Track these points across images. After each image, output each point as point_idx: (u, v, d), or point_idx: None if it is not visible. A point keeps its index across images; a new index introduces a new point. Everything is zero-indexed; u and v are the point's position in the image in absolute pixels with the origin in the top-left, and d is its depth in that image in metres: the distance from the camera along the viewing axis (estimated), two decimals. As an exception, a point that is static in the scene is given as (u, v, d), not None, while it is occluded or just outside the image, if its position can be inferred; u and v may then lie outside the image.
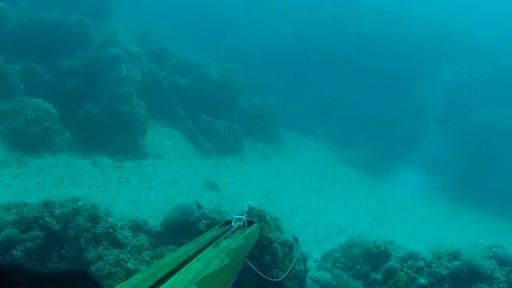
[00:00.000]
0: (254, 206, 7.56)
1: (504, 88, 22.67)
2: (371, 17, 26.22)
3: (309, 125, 22.33)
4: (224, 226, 3.17)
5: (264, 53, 24.67)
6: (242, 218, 3.21)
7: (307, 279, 7.56)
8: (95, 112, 12.93)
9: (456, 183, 19.03)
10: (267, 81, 23.11)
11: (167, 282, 1.92)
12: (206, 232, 2.92)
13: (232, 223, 3.21)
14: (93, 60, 13.60)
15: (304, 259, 7.67)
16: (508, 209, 19.84)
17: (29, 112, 11.99)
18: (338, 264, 8.42)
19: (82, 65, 13.62)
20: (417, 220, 15.73)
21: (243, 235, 2.92)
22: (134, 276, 1.90)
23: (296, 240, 7.59)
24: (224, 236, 2.86)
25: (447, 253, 7.08)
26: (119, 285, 1.80)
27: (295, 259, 6.91)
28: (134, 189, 11.40)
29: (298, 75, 23.93)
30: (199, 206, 8.41)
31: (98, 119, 12.85)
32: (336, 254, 8.60)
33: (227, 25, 27.51)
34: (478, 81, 20.63)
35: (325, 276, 8.24)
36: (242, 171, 14.59)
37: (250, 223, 3.29)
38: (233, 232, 3.01)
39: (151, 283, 1.86)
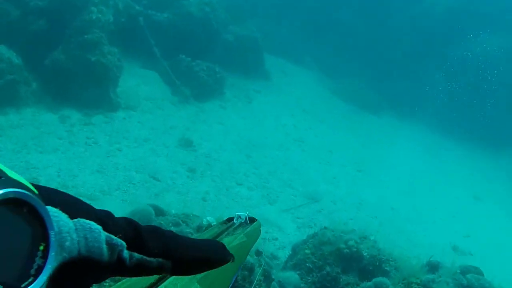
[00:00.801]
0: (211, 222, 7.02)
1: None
2: None
3: (299, 50, 21.17)
4: (225, 223, 3.11)
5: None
6: (244, 215, 3.14)
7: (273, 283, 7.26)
8: (63, 60, 11.90)
9: (450, 117, 18.35)
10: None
11: (169, 279, 1.89)
12: (208, 229, 3.05)
13: (234, 220, 3.14)
14: (60, 0, 12.36)
15: (268, 276, 7.25)
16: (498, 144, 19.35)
17: (-11, 64, 11.02)
18: (308, 264, 8.01)
19: (50, 5, 12.37)
20: (401, 164, 15.22)
21: (245, 232, 2.91)
22: None
23: (259, 253, 7.10)
24: (226, 233, 2.84)
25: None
26: (120, 282, 1.78)
27: (255, 281, 6.49)
28: (102, 153, 10.71)
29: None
30: (159, 211, 7.77)
31: (67, 69, 11.85)
32: (306, 251, 8.16)
33: None
34: None
35: (293, 277, 7.93)
36: (221, 119, 13.77)
37: (252, 220, 3.22)
38: (235, 229, 2.98)
39: (153, 280, 1.85)
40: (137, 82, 13.60)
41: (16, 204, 0.95)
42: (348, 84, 20.22)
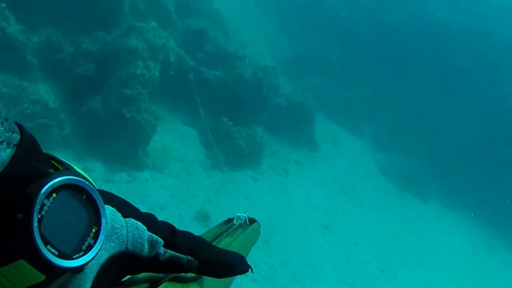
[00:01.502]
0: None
1: None
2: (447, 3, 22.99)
3: (357, 116, 20.27)
4: (225, 224, 3.05)
5: (325, 26, 22.30)
6: (244, 216, 3.10)
7: None
8: (99, 110, 11.60)
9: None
10: (320, 59, 20.95)
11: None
12: (207, 230, 2.90)
13: (234, 221, 3.08)
14: (111, 48, 12.10)
15: None
16: None
17: (25, 105, 10.83)
18: None
19: (100, 51, 12.16)
20: (439, 265, 14.04)
21: (245, 232, 2.89)
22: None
23: None
24: (225, 234, 2.81)
25: None
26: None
27: None
28: (114, 218, 10.23)
29: (356, 55, 21.47)
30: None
31: (101, 119, 11.54)
32: None
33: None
34: None
35: None
36: (248, 193, 13.05)
37: (251, 220, 3.16)
38: (235, 229, 2.93)
39: (155, 277, 1.83)
40: (174, 139, 13.14)
41: (77, 190, 1.20)
42: (398, 161, 19.15)
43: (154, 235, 1.60)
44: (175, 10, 15.93)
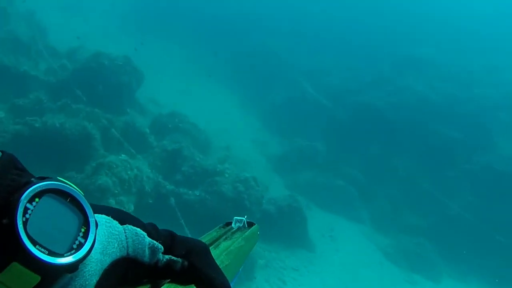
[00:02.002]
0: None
1: None
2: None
3: (352, 202, 19.63)
4: (224, 227, 2.98)
5: (309, 117, 22.18)
6: (242, 219, 3.04)
7: None
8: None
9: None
10: (308, 151, 20.63)
11: (165, 285, 1.80)
12: (206, 234, 2.78)
13: (232, 224, 3.02)
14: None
15: None
16: None
17: None
18: None
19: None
20: None
21: (243, 236, 2.81)
22: None
23: None
24: (224, 237, 2.73)
25: None
26: None
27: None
28: None
29: (342, 142, 21.15)
30: None
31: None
32: None
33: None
34: None
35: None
36: (244, 316, 12.30)
37: (250, 224, 3.09)
38: (233, 233, 2.86)
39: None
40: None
41: (60, 193, 1.26)
42: (402, 243, 18.33)
43: (155, 241, 1.62)
44: (151, 132, 15.79)
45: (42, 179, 1.27)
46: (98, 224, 1.41)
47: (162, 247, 1.64)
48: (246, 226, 3.07)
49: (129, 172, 12.10)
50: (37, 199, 1.21)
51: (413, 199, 19.93)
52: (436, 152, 20.76)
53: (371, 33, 27.02)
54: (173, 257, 1.68)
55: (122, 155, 12.57)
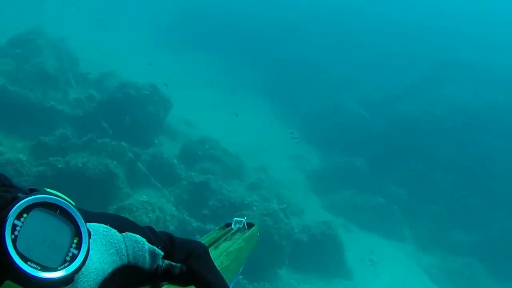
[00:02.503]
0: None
1: None
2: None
3: (394, 221, 18.58)
4: (223, 228, 3.02)
5: (349, 131, 21.26)
6: (242, 220, 3.09)
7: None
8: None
9: None
10: (348, 168, 19.71)
11: (164, 286, 1.83)
12: (206, 235, 2.83)
13: (232, 225, 3.05)
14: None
15: None
16: None
17: None
18: None
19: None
20: None
21: (243, 237, 2.84)
22: None
23: None
24: (223, 238, 2.75)
25: None
26: None
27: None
28: None
29: (383, 158, 20.11)
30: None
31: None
32: None
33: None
34: None
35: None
36: None
37: (250, 225, 3.12)
38: (233, 234, 2.89)
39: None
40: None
41: (48, 206, 1.25)
42: (447, 263, 17.21)
43: (155, 247, 1.61)
44: (179, 161, 15.32)
45: (32, 191, 1.27)
46: (95, 233, 1.45)
47: (162, 252, 1.63)
48: (246, 227, 3.08)
49: (150, 215, 11.63)
50: (25, 215, 1.20)
51: (459, 215, 18.74)
52: (482, 164, 19.47)
53: (409, 38, 25.78)
54: (172, 263, 1.66)
55: (144, 196, 12.10)
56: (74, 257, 1.25)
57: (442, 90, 21.75)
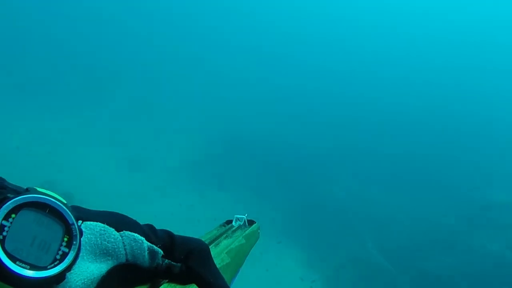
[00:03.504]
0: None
1: None
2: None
3: None
4: (224, 226, 2.99)
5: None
6: (243, 217, 3.03)
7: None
8: None
9: None
10: None
11: (164, 285, 1.77)
12: (206, 232, 2.78)
13: (233, 223, 3.02)
14: None
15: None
16: None
17: None
18: None
19: None
20: None
21: (244, 234, 2.80)
22: None
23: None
24: (224, 235, 2.71)
25: None
26: None
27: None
28: None
29: None
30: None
31: None
32: None
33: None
34: None
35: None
36: None
37: (250, 222, 3.08)
38: (234, 231, 2.85)
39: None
40: None
41: (37, 206, 1.24)
42: None
43: (154, 245, 1.60)
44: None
45: (26, 191, 1.27)
46: (91, 233, 1.45)
47: (161, 251, 1.62)
48: (247, 224, 3.02)
49: None
50: (13, 215, 1.20)
51: None
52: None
53: (439, 179, 24.50)
54: (172, 262, 1.66)
55: None
56: (64, 256, 1.24)
57: (474, 242, 19.98)
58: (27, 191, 1.28)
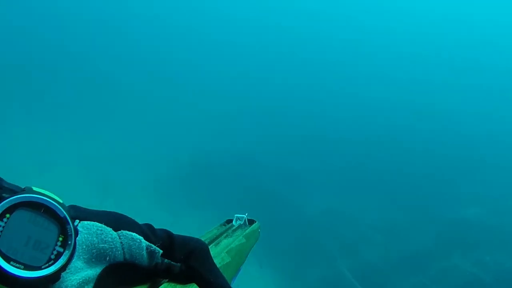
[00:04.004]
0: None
1: None
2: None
3: None
4: (224, 225, 2.94)
5: None
6: (243, 217, 2.98)
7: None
8: None
9: None
10: None
11: (164, 284, 1.76)
12: (206, 232, 2.70)
13: (233, 222, 2.97)
14: None
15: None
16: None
17: None
18: None
19: None
20: None
21: (244, 234, 2.77)
22: None
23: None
24: (224, 235, 2.68)
25: None
26: None
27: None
28: None
29: None
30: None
31: None
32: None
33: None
34: None
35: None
36: None
37: (251, 221, 3.02)
38: (234, 231, 2.81)
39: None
40: None
41: (32, 205, 1.21)
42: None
43: (152, 245, 1.59)
44: None
45: (23, 191, 1.24)
46: (88, 232, 1.43)
47: (160, 250, 1.60)
48: (247, 223, 2.96)
49: None
50: (8, 215, 1.18)
51: None
52: None
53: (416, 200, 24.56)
54: (172, 262, 1.65)
55: None
56: (59, 255, 1.22)
57: (446, 263, 19.82)
58: (23, 191, 1.26)
